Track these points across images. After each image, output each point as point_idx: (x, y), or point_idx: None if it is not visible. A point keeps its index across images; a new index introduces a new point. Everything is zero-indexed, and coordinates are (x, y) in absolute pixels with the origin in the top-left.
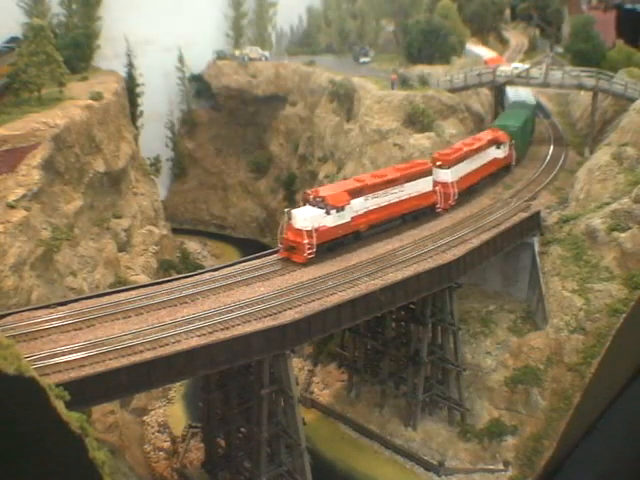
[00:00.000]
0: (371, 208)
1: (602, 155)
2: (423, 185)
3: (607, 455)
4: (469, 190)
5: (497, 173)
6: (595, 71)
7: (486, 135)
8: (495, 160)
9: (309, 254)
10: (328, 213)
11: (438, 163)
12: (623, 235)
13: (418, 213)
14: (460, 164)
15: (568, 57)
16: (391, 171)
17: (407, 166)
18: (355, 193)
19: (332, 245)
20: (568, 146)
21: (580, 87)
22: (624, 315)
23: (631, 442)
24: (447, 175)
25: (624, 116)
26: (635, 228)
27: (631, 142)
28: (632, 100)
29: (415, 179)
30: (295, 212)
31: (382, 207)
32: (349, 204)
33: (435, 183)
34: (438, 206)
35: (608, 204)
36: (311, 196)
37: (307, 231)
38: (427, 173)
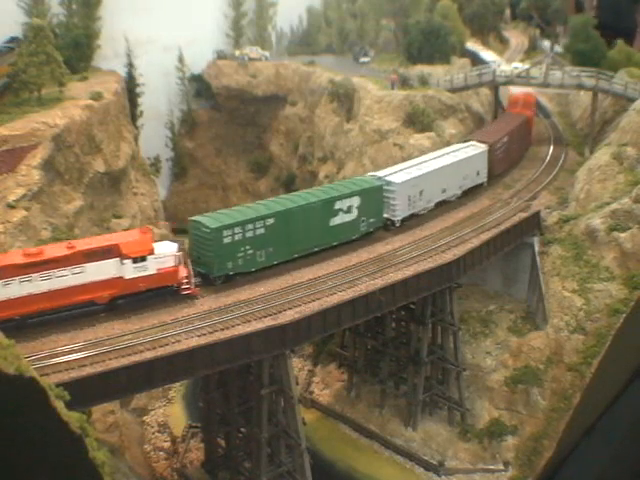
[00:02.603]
0: None
1: (602, 155)
2: None
3: (607, 455)
4: None
5: (124, 300)
6: (595, 71)
7: (99, 241)
8: (115, 282)
9: None
10: None
11: None
12: (623, 235)
13: None
14: None
15: (568, 57)
16: None
17: None
18: None
19: None
20: (568, 146)
21: (580, 87)
22: (624, 315)
23: (631, 442)
24: None
25: (624, 116)
26: (635, 228)
27: (631, 142)
28: (632, 100)
29: None
30: None
31: None
32: None
33: None
34: None
35: (608, 204)
36: None
37: None
38: None
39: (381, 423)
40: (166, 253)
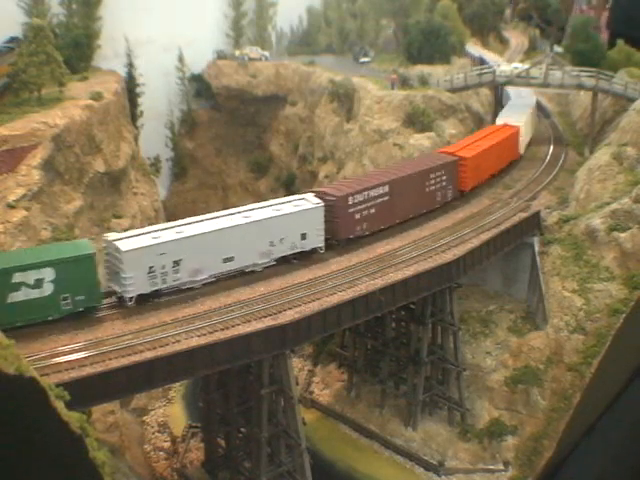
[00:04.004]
0: None
1: (602, 155)
2: None
3: (607, 455)
4: None
5: None
6: (595, 71)
7: None
8: None
9: None
10: None
11: None
12: (623, 235)
13: None
14: None
15: (568, 57)
16: None
17: None
18: None
19: None
20: (568, 146)
21: (580, 87)
22: (624, 315)
23: (631, 442)
24: None
25: (624, 116)
26: (635, 228)
27: (631, 142)
28: (632, 100)
29: None
30: None
31: None
32: None
33: None
34: None
35: (608, 204)
36: None
37: None
38: None
39: (381, 423)
40: None
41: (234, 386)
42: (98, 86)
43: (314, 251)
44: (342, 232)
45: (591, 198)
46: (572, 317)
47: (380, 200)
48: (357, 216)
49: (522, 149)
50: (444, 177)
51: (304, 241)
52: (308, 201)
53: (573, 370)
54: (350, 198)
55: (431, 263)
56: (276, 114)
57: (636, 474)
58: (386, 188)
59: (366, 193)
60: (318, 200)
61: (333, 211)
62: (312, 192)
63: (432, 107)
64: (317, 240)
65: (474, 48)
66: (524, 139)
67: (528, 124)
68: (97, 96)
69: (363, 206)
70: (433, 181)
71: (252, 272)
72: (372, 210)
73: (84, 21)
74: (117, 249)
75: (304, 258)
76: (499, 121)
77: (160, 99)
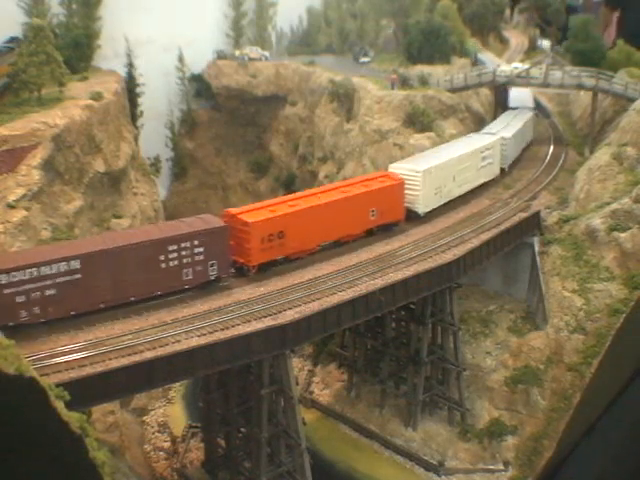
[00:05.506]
0: None
1: (602, 155)
2: None
3: (607, 455)
4: None
5: None
6: (595, 71)
7: None
8: None
9: None
10: None
11: None
12: (623, 235)
13: None
14: None
15: (568, 57)
16: None
17: None
18: None
19: None
20: (568, 146)
21: (580, 87)
22: (624, 315)
23: (631, 442)
24: None
25: (624, 116)
26: (635, 228)
27: (631, 142)
28: (632, 100)
29: None
30: None
31: None
32: None
33: None
34: None
35: (608, 204)
36: None
37: None
38: None
39: (381, 423)
40: None
41: (234, 386)
42: (98, 86)
43: None
44: None
45: (591, 198)
46: (572, 317)
47: (66, 279)
48: (19, 299)
49: (422, 208)
50: (200, 249)
51: None
52: None
53: (573, 370)
54: (3, 277)
55: (431, 263)
56: (276, 114)
57: (636, 474)
58: (76, 264)
59: (34, 270)
60: None
61: None
62: None
63: (432, 107)
64: None
65: (492, 61)
66: (428, 193)
67: (442, 173)
68: (97, 96)
69: (31, 286)
70: (176, 254)
71: None
72: (51, 291)
73: (84, 21)
74: None
75: None
76: (393, 167)
77: (160, 99)
